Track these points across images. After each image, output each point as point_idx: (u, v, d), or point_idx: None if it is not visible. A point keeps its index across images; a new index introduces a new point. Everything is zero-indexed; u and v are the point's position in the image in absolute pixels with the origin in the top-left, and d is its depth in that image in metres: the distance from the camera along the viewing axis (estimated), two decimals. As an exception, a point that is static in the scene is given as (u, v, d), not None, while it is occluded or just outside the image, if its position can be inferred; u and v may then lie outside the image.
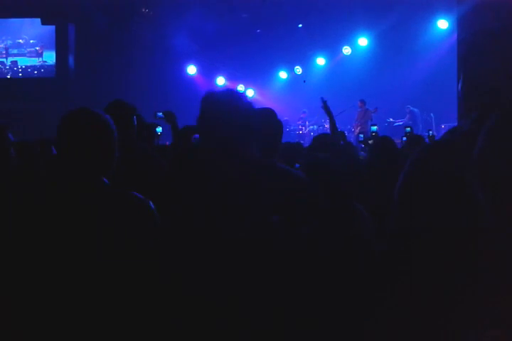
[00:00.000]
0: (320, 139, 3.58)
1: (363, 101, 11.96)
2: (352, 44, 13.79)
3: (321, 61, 14.45)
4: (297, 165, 3.34)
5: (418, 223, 1.24)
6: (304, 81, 14.29)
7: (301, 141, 12.63)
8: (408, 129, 7.63)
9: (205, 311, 1.56)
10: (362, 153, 6.33)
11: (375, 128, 7.57)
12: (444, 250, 1.20)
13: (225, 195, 1.60)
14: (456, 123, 9.52)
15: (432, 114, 12.68)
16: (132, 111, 2.99)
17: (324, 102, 4.63)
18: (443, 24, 12.42)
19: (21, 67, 14.02)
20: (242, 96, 1.79)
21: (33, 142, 3.40)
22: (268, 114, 2.56)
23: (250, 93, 14.83)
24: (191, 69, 14.42)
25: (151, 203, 1.72)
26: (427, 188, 1.25)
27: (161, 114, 4.10)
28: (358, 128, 11.62)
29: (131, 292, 1.63)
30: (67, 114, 1.74)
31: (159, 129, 4.44)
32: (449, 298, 1.19)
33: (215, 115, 1.71)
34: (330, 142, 3.48)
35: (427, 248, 1.23)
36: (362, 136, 8.24)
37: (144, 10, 13.64)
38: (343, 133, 6.83)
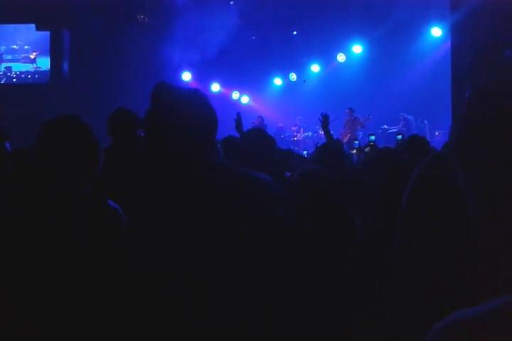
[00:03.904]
0: (326, 149, 3.55)
1: (351, 109, 11.98)
2: (346, 51, 13.85)
3: (315, 68, 14.50)
4: (288, 173, 3.34)
5: (425, 238, 1.23)
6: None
7: (296, 147, 12.66)
8: (399, 137, 7.60)
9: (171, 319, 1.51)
10: (355, 156, 6.34)
11: (373, 137, 7.52)
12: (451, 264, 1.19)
13: (182, 202, 1.53)
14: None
15: (425, 121, 12.72)
16: (136, 120, 3.04)
17: (325, 119, 4.61)
18: (436, 32, 12.50)
19: (15, 72, 13.99)
20: (201, 94, 1.63)
21: (30, 148, 3.39)
22: (256, 134, 2.68)
23: (245, 99, 14.86)
24: (186, 76, 14.43)
25: (121, 212, 1.74)
26: (433, 205, 1.23)
27: None
28: (348, 136, 11.64)
29: (99, 297, 1.65)
30: (49, 123, 1.75)
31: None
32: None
33: (171, 114, 1.53)
34: (338, 153, 3.44)
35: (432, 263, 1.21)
36: (357, 142, 8.24)
37: (139, 16, 13.66)
38: (339, 140, 6.83)
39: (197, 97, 1.60)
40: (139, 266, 1.52)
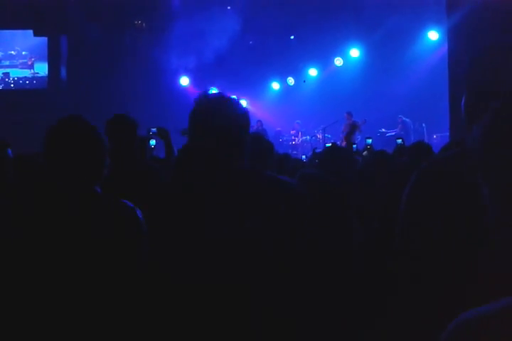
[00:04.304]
0: (331, 152, 3.58)
1: (349, 114, 11.99)
2: (344, 55, 13.89)
3: (313, 72, 14.54)
4: (285, 177, 3.34)
5: (426, 240, 1.23)
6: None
7: (295, 152, 12.67)
8: (399, 141, 7.59)
9: (200, 313, 1.54)
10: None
11: (370, 141, 7.54)
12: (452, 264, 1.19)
13: (214, 206, 1.59)
14: (447, 133, 9.58)
15: (423, 124, 12.75)
16: (134, 126, 3.05)
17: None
18: (433, 35, 12.55)
19: (13, 78, 13.99)
20: (237, 103, 1.74)
21: (34, 154, 3.38)
22: (255, 138, 2.73)
23: (243, 104, 14.86)
24: (184, 81, 14.45)
25: (139, 211, 1.75)
26: (432, 208, 1.23)
27: (154, 129, 4.15)
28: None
29: (120, 299, 1.65)
30: (57, 124, 1.74)
31: (153, 142, 4.44)
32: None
33: (208, 122, 1.65)
34: (343, 155, 3.46)
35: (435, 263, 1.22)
36: (355, 146, 8.25)
37: (136, 22, 13.69)
38: (335, 144, 6.86)
39: (234, 107, 1.71)
40: (171, 267, 1.56)
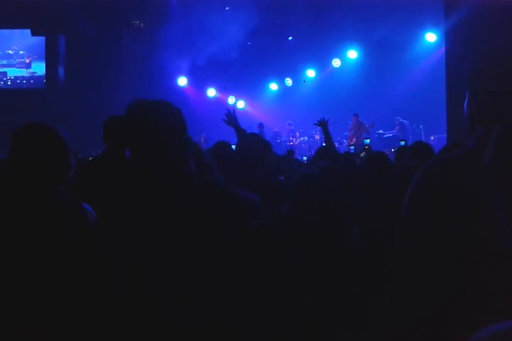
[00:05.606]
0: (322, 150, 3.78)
1: (357, 115, 12.10)
2: (342, 56, 13.90)
3: (311, 73, 14.55)
4: (281, 178, 3.35)
5: (426, 240, 1.22)
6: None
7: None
8: (402, 143, 7.65)
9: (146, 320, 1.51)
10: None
11: (368, 141, 7.61)
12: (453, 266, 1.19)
13: (161, 214, 1.54)
14: (445, 135, 9.59)
15: (421, 126, 12.76)
16: None
17: (323, 122, 4.66)
18: (431, 37, 12.57)
19: (10, 77, 13.97)
20: (168, 104, 1.71)
21: None
22: (253, 137, 2.73)
23: (241, 104, 14.88)
24: (182, 81, 14.44)
25: (93, 213, 1.79)
26: (434, 208, 1.22)
27: None
28: (353, 140, 11.72)
29: (73, 300, 1.66)
30: (20, 128, 1.80)
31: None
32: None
33: (145, 125, 1.64)
34: (331, 152, 3.72)
35: (435, 264, 1.21)
36: (353, 147, 8.29)
37: (134, 22, 13.68)
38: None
39: (165, 109, 1.67)
40: (122, 269, 1.52)
